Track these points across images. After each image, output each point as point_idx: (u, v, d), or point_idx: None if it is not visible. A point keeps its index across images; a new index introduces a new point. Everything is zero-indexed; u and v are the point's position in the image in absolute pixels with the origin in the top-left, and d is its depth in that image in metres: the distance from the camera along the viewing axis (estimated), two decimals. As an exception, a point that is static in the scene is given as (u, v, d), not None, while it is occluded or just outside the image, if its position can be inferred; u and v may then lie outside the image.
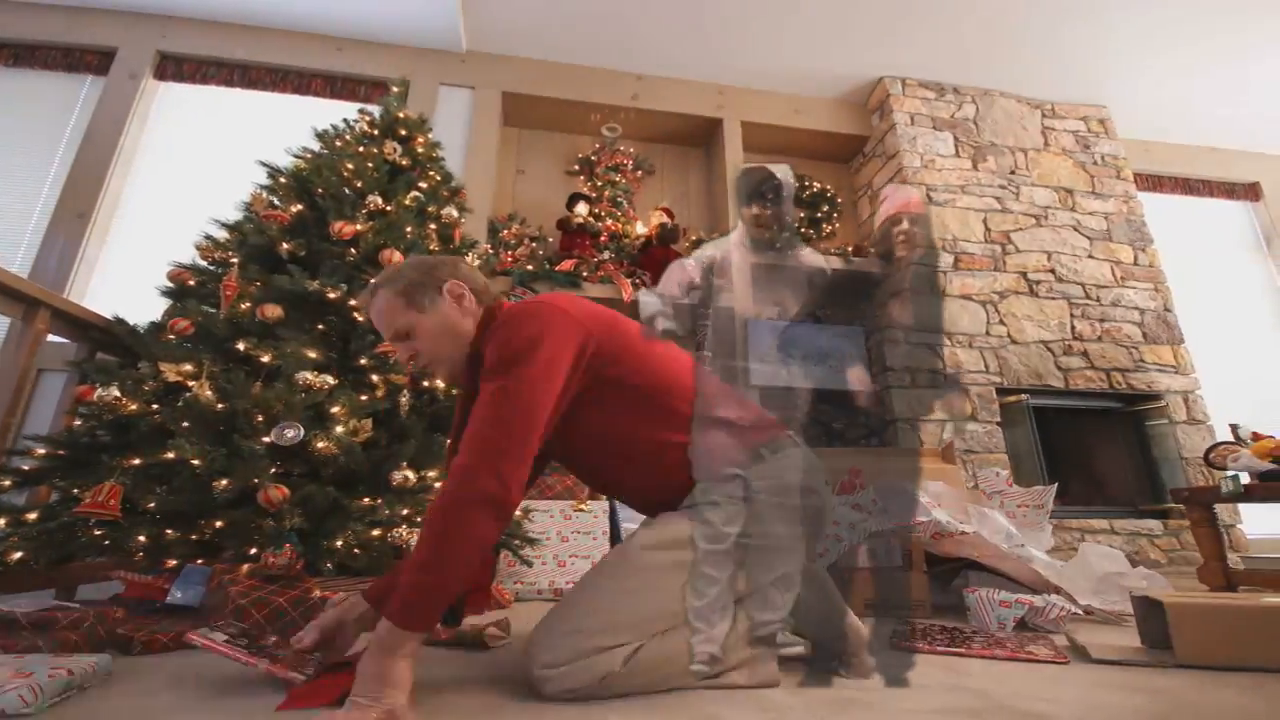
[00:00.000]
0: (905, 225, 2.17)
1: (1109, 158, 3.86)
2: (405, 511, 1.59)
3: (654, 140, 3.95)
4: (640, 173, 3.85)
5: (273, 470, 1.61)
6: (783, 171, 2.16)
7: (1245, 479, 1.94)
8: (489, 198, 3.43)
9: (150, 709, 0.89)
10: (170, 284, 1.93)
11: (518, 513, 2.11)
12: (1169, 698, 0.97)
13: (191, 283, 1.93)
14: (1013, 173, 3.69)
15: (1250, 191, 4.41)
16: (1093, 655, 1.22)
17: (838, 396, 3.18)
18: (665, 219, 3.51)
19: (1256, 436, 1.96)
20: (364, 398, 1.84)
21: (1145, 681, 1.07)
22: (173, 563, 1.51)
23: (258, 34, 3.39)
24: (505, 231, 3.35)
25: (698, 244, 3.69)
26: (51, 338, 1.98)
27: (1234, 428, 2.02)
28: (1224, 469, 1.90)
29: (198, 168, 3.21)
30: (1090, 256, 3.57)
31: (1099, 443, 3.40)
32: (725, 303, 3.16)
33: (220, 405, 1.59)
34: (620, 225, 3.57)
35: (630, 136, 3.88)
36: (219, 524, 1.54)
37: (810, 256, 2.96)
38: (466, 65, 3.56)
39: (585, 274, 3.24)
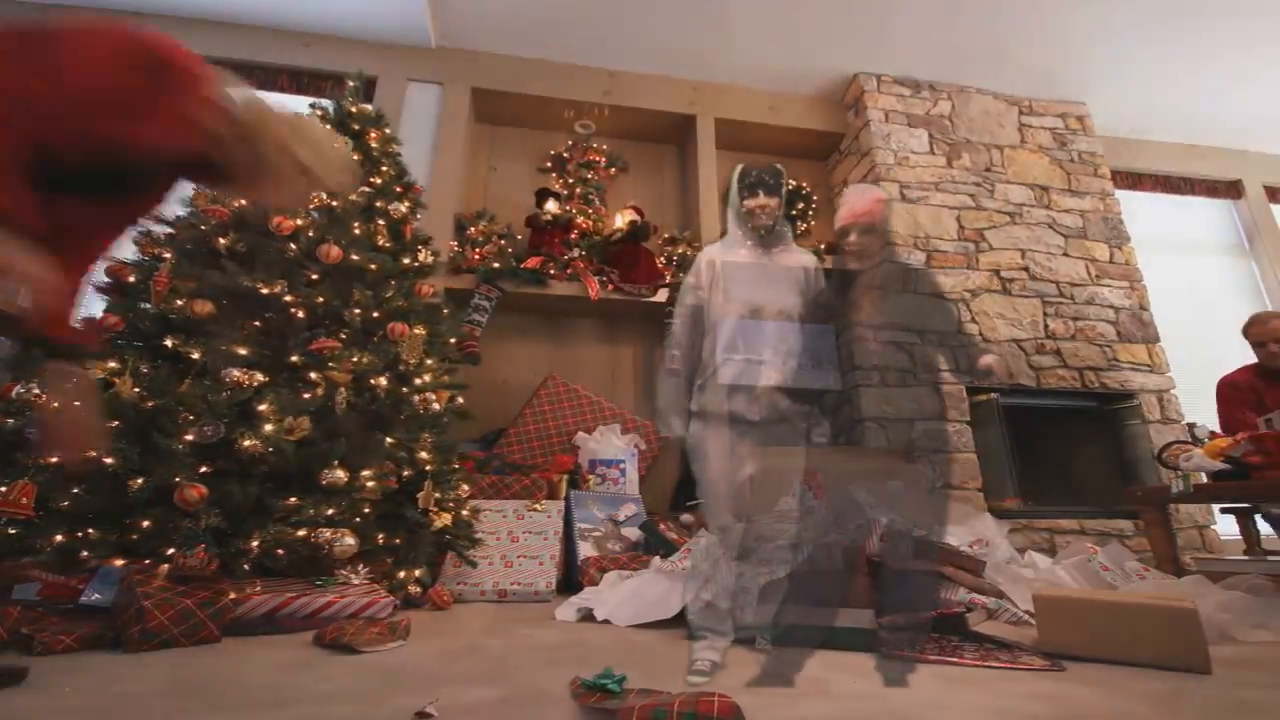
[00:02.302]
0: (853, 238, 2.18)
1: (1086, 155, 3.82)
2: (330, 511, 1.56)
3: (628, 137, 3.92)
4: (614, 170, 3.82)
5: (203, 469, 1.59)
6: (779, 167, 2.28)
7: (1205, 478, 1.91)
8: (457, 195, 3.40)
9: None
10: (108, 280, 1.90)
11: (465, 512, 2.09)
12: (1066, 705, 0.94)
13: (131, 279, 1.91)
14: (988, 170, 3.66)
15: (1232, 190, 4.37)
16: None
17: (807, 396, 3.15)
18: (635, 217, 3.48)
19: (1214, 435, 1.93)
20: (307, 396, 1.82)
21: (1052, 689, 1.03)
22: (120, 561, 1.48)
23: (224, 29, 3.36)
24: (472, 229, 3.32)
25: (670, 241, 3.67)
26: None
27: (1190, 427, 1.99)
28: (1176, 469, 1.86)
29: (162, 164, 3.18)
30: (1065, 254, 3.53)
31: (1072, 442, 3.36)
32: (716, 298, 3.12)
33: (149, 403, 1.57)
34: (591, 222, 3.54)
35: (603, 133, 3.84)
36: (145, 523, 1.52)
37: (803, 255, 2.92)
38: (436, 61, 3.53)
39: (553, 271, 3.21)
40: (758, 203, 2.34)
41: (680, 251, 3.54)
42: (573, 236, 3.44)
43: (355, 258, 1.97)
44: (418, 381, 2.01)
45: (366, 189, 2.23)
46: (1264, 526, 2.27)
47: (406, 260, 2.26)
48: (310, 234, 1.94)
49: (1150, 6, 3.39)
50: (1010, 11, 3.41)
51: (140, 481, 1.42)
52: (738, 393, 2.85)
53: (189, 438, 1.48)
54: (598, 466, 2.88)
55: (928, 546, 1.85)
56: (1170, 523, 1.94)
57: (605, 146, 3.80)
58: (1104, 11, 3.42)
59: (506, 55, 3.63)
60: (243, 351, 1.68)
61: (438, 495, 1.95)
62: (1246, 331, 2.42)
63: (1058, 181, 3.72)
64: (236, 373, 1.60)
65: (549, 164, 3.75)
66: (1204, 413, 3.19)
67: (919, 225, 3.43)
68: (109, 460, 1.42)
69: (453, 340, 2.32)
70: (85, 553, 1.49)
